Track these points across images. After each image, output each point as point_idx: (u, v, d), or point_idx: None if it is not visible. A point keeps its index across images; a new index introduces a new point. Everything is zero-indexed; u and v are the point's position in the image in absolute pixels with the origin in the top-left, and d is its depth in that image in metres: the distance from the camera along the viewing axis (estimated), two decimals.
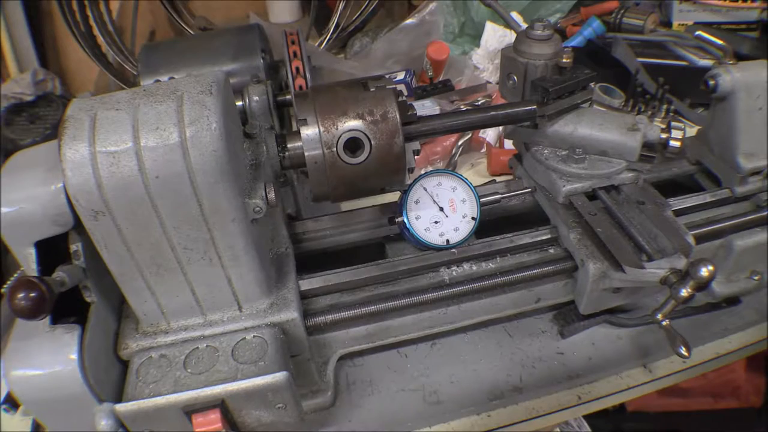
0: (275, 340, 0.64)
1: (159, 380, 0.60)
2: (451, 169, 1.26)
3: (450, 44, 1.58)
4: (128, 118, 0.54)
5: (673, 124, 0.79)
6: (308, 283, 0.75)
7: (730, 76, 0.81)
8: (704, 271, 0.62)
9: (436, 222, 0.79)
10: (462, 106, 1.38)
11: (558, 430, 1.44)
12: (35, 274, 0.58)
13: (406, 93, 1.44)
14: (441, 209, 0.79)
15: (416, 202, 0.79)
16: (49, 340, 0.59)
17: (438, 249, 0.79)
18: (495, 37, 1.55)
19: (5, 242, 0.58)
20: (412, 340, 0.81)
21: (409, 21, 1.54)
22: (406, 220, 0.78)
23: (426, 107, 1.35)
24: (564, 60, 0.78)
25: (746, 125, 0.83)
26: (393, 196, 0.79)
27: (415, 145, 0.72)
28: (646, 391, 0.80)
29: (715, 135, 0.89)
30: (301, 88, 0.96)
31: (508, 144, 1.26)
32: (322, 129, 0.66)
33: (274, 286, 0.69)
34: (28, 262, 0.59)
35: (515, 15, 1.52)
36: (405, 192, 0.78)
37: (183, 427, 0.59)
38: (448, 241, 0.78)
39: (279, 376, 0.59)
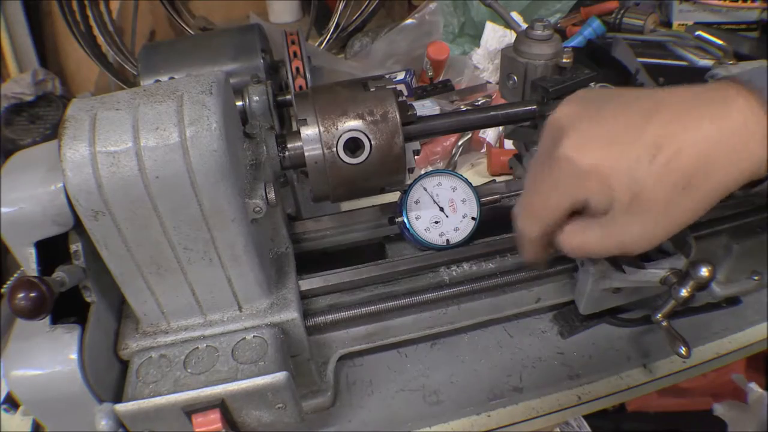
0: (275, 340, 0.64)
1: (159, 380, 0.60)
2: (451, 169, 1.26)
3: (450, 44, 1.57)
4: (128, 118, 0.54)
5: None
6: (308, 283, 0.75)
7: None
8: (704, 271, 0.61)
9: (436, 222, 0.78)
10: (462, 106, 1.38)
11: (558, 430, 1.44)
12: (35, 274, 0.58)
13: (406, 93, 1.44)
14: (441, 209, 0.79)
15: (416, 202, 0.79)
16: (49, 340, 0.59)
17: (438, 249, 0.79)
18: (495, 37, 1.55)
19: (5, 242, 0.58)
20: (412, 340, 0.81)
21: (409, 21, 1.53)
22: (406, 220, 0.78)
23: (426, 107, 1.35)
24: (564, 60, 0.78)
25: None
26: (393, 196, 0.79)
27: (415, 145, 0.72)
28: (646, 391, 0.80)
29: None
30: (301, 88, 0.96)
31: (508, 144, 1.26)
32: (322, 129, 0.66)
33: (274, 286, 0.69)
34: (28, 262, 0.59)
35: (515, 15, 1.52)
36: (405, 192, 0.78)
37: (183, 427, 0.59)
38: (448, 241, 0.78)
39: (279, 376, 0.59)
